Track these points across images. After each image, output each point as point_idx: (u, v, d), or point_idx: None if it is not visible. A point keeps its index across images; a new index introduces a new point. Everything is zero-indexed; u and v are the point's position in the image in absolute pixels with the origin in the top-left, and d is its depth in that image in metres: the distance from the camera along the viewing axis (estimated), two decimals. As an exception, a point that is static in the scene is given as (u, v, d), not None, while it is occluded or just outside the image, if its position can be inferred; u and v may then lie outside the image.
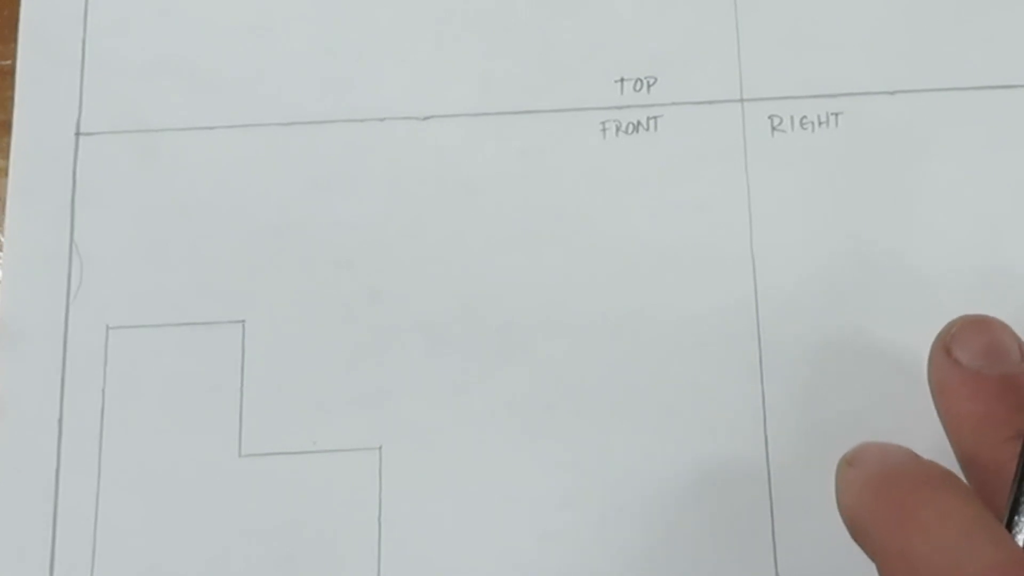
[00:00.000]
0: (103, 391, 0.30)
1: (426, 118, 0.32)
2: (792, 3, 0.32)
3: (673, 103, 0.32)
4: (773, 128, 0.31)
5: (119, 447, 0.30)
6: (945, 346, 0.26)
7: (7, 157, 0.32)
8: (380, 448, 0.30)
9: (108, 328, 0.30)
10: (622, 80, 0.32)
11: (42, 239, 0.31)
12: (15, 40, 0.33)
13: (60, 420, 0.30)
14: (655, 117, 0.32)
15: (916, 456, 0.24)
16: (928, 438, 0.26)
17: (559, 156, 0.32)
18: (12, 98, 0.32)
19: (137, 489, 0.30)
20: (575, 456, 0.30)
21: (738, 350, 0.30)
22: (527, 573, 0.29)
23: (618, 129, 0.32)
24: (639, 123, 0.32)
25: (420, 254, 0.31)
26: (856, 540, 0.23)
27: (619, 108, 0.32)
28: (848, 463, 0.24)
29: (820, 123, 0.31)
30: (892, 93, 0.32)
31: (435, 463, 0.30)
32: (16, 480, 0.29)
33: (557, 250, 0.31)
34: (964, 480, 0.24)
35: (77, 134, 0.32)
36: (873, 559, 0.23)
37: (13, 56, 0.32)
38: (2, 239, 0.31)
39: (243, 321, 0.30)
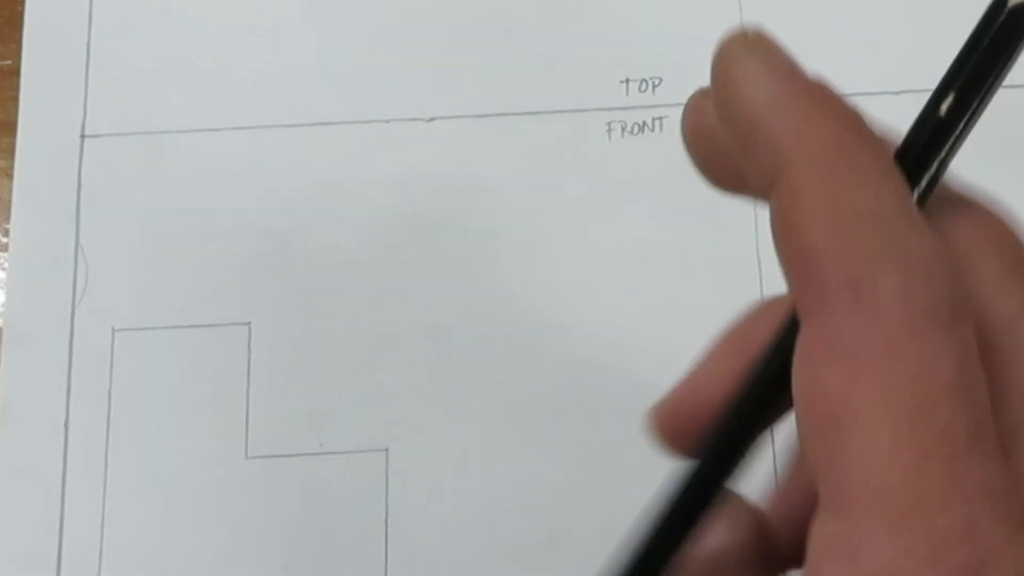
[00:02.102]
0: (109, 393, 0.30)
1: (431, 119, 0.32)
2: (797, 3, 0.32)
3: (678, 103, 0.31)
4: (779, 129, 0.31)
5: (125, 449, 0.30)
6: None
7: (10, 158, 0.31)
8: (387, 450, 0.30)
9: (114, 330, 0.30)
10: (627, 81, 0.32)
11: (48, 241, 0.31)
12: (16, 40, 0.32)
13: (66, 422, 0.30)
14: (660, 118, 0.32)
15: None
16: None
17: (564, 157, 0.31)
18: (14, 98, 0.32)
19: (143, 490, 0.30)
20: (580, 457, 0.30)
21: (744, 351, 0.30)
22: (532, 573, 0.29)
23: (623, 130, 0.32)
24: (644, 124, 0.32)
25: (425, 256, 0.31)
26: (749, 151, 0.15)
27: (624, 109, 0.32)
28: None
29: (826, 124, 0.31)
30: (897, 93, 0.32)
31: (441, 464, 0.30)
32: (23, 482, 0.29)
33: (562, 251, 0.31)
34: None
35: (82, 136, 0.32)
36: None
37: (15, 56, 0.32)
38: (8, 241, 0.31)
39: (249, 323, 0.30)
